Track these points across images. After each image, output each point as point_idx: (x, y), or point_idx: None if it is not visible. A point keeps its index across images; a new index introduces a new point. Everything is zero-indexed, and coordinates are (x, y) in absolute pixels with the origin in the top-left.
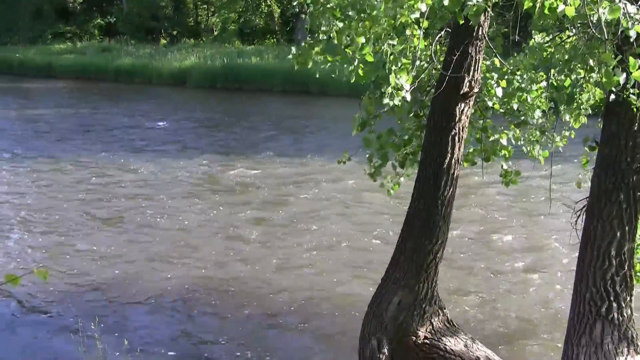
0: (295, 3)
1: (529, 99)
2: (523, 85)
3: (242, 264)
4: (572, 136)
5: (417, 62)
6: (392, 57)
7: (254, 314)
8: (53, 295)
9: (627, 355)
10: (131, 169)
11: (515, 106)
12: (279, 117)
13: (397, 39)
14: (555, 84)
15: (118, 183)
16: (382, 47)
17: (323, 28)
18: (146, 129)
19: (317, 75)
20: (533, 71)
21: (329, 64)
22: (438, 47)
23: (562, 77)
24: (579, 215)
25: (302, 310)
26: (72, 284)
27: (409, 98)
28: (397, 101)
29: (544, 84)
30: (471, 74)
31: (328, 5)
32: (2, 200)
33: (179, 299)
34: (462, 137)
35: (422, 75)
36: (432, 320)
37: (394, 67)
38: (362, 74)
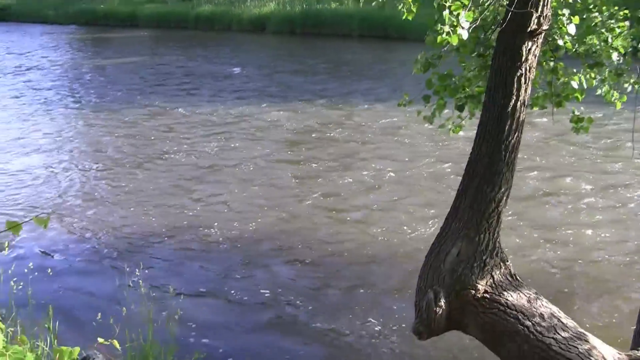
0: None
1: (609, 39)
2: (600, 23)
3: (309, 210)
4: None
5: None
6: None
7: (308, 267)
8: (107, 241)
9: None
10: (206, 114)
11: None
12: (356, 62)
13: None
14: None
15: (194, 128)
16: None
17: None
18: (224, 75)
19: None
20: (615, 7)
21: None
22: None
23: None
24: None
25: (360, 266)
26: (128, 229)
27: (465, 36)
28: (454, 40)
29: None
30: (540, 9)
31: None
32: (84, 144)
33: (237, 248)
34: (528, 78)
35: (486, 12)
36: (492, 273)
37: (448, 3)
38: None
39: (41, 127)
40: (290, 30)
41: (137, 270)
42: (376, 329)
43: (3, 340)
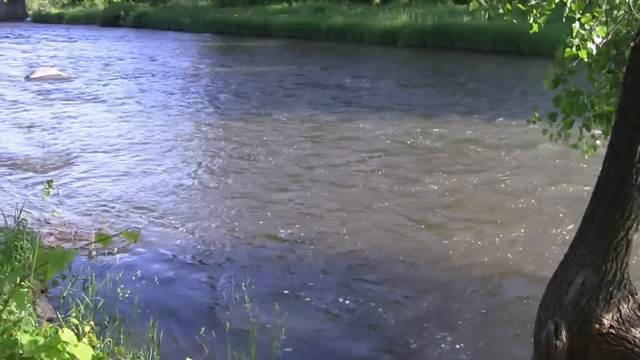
0: None
1: None
2: None
3: (418, 228)
4: None
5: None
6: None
7: (425, 286)
8: (215, 250)
9: None
10: (330, 125)
11: None
12: (487, 78)
13: None
14: None
15: (319, 138)
16: None
17: None
18: (352, 87)
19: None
20: None
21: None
22: None
23: None
24: None
25: (483, 285)
26: (246, 237)
27: (595, 51)
28: (583, 55)
29: None
30: None
31: None
32: (198, 147)
33: (351, 265)
34: None
35: (618, 26)
36: (619, 307)
37: (577, 15)
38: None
39: (161, 128)
40: (421, 43)
41: (243, 284)
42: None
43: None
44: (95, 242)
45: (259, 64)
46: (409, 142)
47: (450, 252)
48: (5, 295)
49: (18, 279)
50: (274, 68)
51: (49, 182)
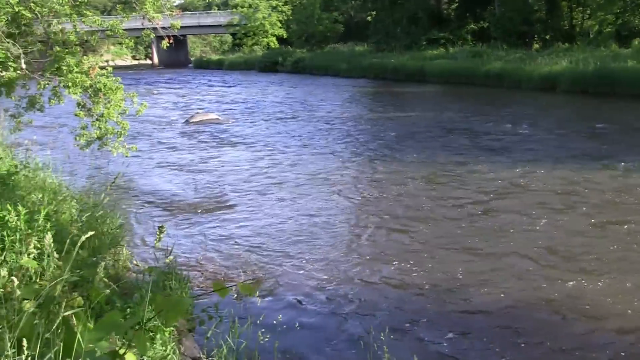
0: None
1: None
2: None
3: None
4: None
5: None
6: None
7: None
8: (364, 298)
9: None
10: (485, 173)
11: None
12: None
13: None
14: None
15: (470, 185)
16: None
17: None
18: (508, 134)
19: None
20: None
21: None
22: None
23: None
24: None
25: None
26: (382, 285)
27: None
28: None
29: None
30: None
31: None
32: (356, 195)
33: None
34: None
35: None
36: None
37: None
38: None
39: (310, 173)
40: (581, 89)
41: (382, 334)
42: None
43: None
44: (213, 292)
45: (412, 109)
46: (562, 191)
47: (583, 301)
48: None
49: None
50: (426, 113)
51: (160, 227)
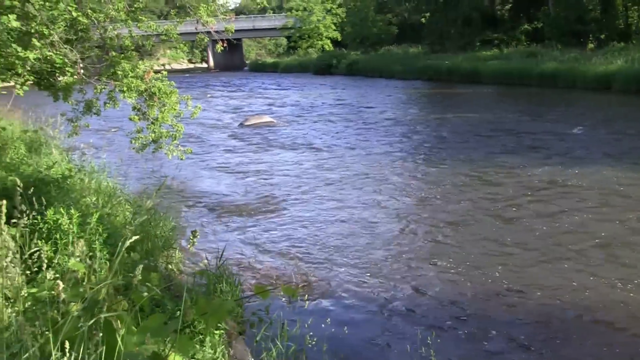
0: None
1: None
2: None
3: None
4: None
5: None
6: None
7: None
8: (414, 302)
9: None
10: (543, 174)
11: None
12: None
13: None
14: None
15: (521, 186)
16: None
17: None
18: (561, 134)
19: None
20: None
21: None
22: None
23: None
24: None
25: None
26: (430, 288)
27: None
28: None
29: None
30: None
31: None
32: (411, 198)
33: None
34: None
35: None
36: None
37: None
38: None
39: (363, 175)
40: (637, 89)
41: (428, 338)
42: None
43: None
44: (253, 295)
45: (465, 110)
46: (617, 192)
47: None
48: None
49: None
50: (479, 115)
51: (194, 232)
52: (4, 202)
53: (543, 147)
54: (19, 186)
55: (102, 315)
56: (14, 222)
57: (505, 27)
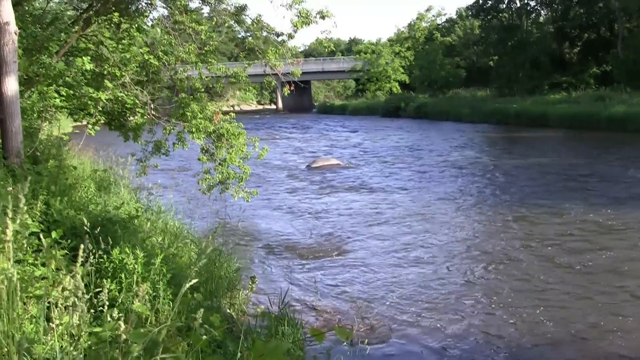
0: None
1: None
2: None
3: None
4: None
5: None
6: None
7: None
8: (475, 348)
9: None
10: (608, 220)
11: None
12: None
13: None
14: None
15: (591, 234)
16: None
17: None
18: (630, 179)
19: None
20: None
21: None
22: None
23: None
24: None
25: None
26: (498, 334)
27: None
28: None
29: None
30: None
31: None
32: (473, 242)
33: None
34: None
35: None
36: None
37: None
38: None
39: (428, 218)
40: None
41: None
42: None
43: None
44: (310, 337)
45: (532, 154)
46: None
47: None
48: None
49: None
50: (546, 159)
51: (253, 278)
52: (82, 246)
53: (609, 192)
54: (86, 225)
55: (159, 357)
56: (82, 261)
57: (574, 70)
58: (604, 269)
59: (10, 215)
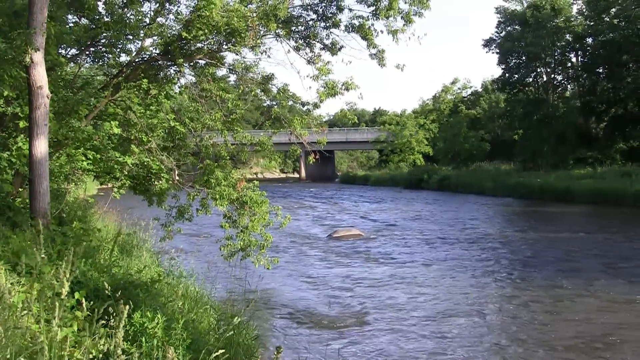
0: None
1: None
2: None
3: None
4: None
5: None
6: None
7: None
8: None
9: None
10: (622, 299)
11: None
12: None
13: None
14: None
15: (619, 314)
16: None
17: None
18: None
19: None
20: None
21: None
22: None
23: None
24: None
25: None
26: None
27: None
28: None
29: None
30: None
31: None
32: (497, 318)
33: None
34: None
35: None
36: None
37: None
38: None
39: (448, 292)
40: None
41: None
42: None
43: None
44: None
45: (555, 230)
46: None
47: None
48: None
49: None
50: (569, 235)
51: (278, 348)
52: (125, 310)
53: (632, 269)
54: (107, 289)
55: None
56: (103, 323)
57: (600, 146)
58: (630, 347)
59: (35, 276)
